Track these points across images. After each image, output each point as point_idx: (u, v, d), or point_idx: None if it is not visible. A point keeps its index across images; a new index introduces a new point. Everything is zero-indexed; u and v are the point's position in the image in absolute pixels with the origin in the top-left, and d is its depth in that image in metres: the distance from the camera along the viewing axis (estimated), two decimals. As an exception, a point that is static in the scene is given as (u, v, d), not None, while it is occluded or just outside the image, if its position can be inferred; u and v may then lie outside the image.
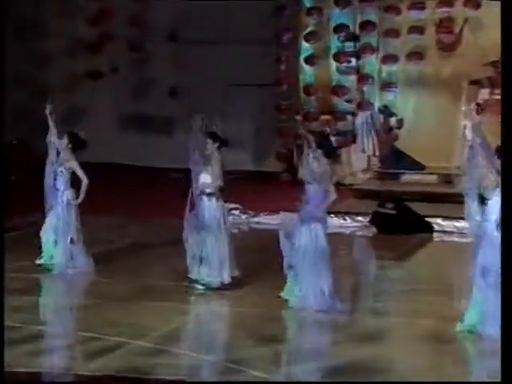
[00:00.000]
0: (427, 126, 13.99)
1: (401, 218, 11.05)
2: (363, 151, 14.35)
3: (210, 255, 8.00)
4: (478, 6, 13.57)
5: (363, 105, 14.28)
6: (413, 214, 11.17)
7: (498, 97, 12.25)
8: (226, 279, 8.03)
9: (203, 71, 15.09)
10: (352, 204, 12.17)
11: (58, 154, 8.68)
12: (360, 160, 14.29)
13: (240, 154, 14.02)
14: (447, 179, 13.10)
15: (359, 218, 11.44)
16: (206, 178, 7.99)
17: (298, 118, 14.26)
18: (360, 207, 11.88)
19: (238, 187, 11.66)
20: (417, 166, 13.72)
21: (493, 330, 6.41)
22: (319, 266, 7.33)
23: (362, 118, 14.33)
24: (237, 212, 11.58)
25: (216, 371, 6.24)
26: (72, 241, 8.57)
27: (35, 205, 8.99)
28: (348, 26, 14.34)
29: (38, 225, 8.88)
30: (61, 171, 8.60)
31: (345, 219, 11.31)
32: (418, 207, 11.30)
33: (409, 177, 13.54)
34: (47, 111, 8.66)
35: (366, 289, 8.58)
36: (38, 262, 8.64)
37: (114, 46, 15.13)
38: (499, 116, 7.27)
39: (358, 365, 6.30)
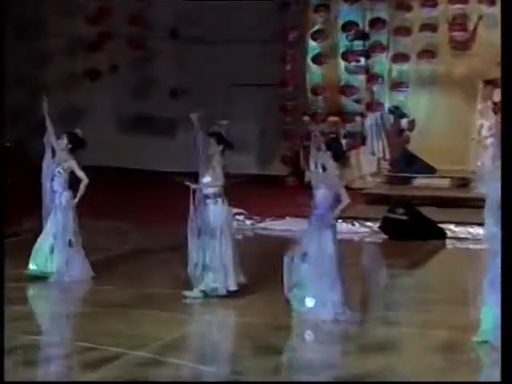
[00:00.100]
0: (440, 127, 13.97)
1: (412, 223, 11.02)
2: (373, 154, 14.33)
3: (214, 261, 7.96)
4: (492, 2, 13.56)
5: (373, 105, 14.27)
6: (425, 219, 11.15)
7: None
8: (232, 286, 8.00)
9: (206, 70, 15.09)
10: (361, 209, 12.14)
11: (54, 154, 8.65)
12: (369, 163, 14.27)
13: (244, 156, 14.01)
14: (461, 183, 13.08)
15: (368, 224, 11.41)
16: (207, 181, 7.98)
17: (306, 118, 14.24)
18: (369, 212, 11.85)
19: (242, 191, 11.66)
20: (429, 170, 13.69)
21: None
22: (328, 273, 7.30)
23: (371, 119, 14.32)
24: (241, 217, 11.57)
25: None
26: (70, 243, 8.55)
27: (32, 210, 8.98)
28: (357, 24, 14.34)
29: (35, 231, 8.87)
30: (58, 172, 8.58)
31: (353, 225, 11.30)
32: (429, 212, 11.27)
33: (420, 181, 13.52)
34: (44, 107, 8.63)
35: (376, 298, 8.55)
36: (30, 267, 8.60)
37: (114, 45, 15.16)
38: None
39: (369, 376, 6.28)
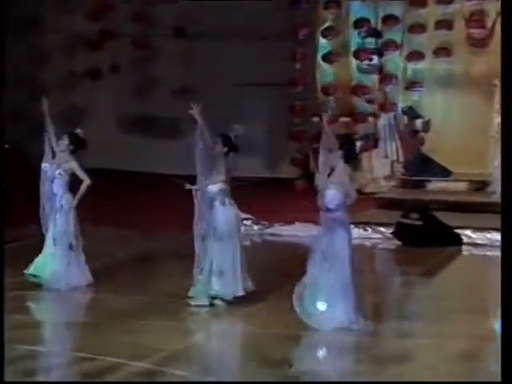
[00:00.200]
0: (456, 128, 13.91)
1: (427, 229, 10.97)
2: (386, 156, 14.28)
3: (222, 265, 7.92)
4: (511, -2, 13.48)
5: (386, 106, 14.22)
6: (440, 224, 11.09)
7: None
8: (239, 291, 7.96)
9: (211, 69, 15.09)
10: (373, 214, 12.11)
11: (54, 156, 8.63)
12: (382, 166, 14.23)
13: (251, 159, 13.99)
14: (478, 186, 13.02)
15: (381, 229, 11.37)
16: (213, 182, 7.95)
17: (315, 119, 14.20)
18: (382, 217, 11.81)
19: (249, 195, 11.60)
20: (444, 173, 13.64)
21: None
22: (341, 278, 7.25)
23: (384, 120, 14.28)
24: (248, 222, 11.54)
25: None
26: (71, 247, 8.52)
27: (31, 214, 8.96)
28: (369, 21, 14.31)
29: (36, 236, 8.85)
30: (59, 173, 8.56)
31: (366, 230, 11.26)
32: (445, 217, 11.22)
33: (436, 184, 13.47)
34: (44, 107, 8.61)
35: (389, 307, 8.50)
36: (27, 271, 8.58)
37: (115, 43, 15.17)
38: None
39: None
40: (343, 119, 14.15)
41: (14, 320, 7.43)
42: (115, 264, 9.56)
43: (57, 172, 8.59)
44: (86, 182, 8.55)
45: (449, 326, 7.64)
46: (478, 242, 10.78)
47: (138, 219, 11.83)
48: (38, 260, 8.60)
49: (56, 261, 8.55)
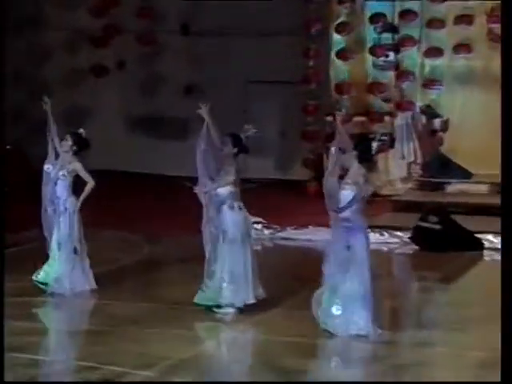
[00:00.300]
0: (476, 127, 13.88)
1: (446, 233, 10.95)
2: (403, 157, 14.27)
3: (234, 271, 7.92)
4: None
5: (403, 105, 14.20)
6: (460, 228, 11.07)
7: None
8: (251, 299, 7.96)
9: (220, 67, 15.12)
10: (390, 217, 12.10)
11: (57, 157, 8.65)
12: (399, 167, 14.21)
13: (262, 159, 14.01)
14: (500, 189, 12.96)
15: (398, 234, 11.36)
16: (221, 184, 7.95)
17: (329, 119, 14.18)
18: (399, 221, 11.80)
19: (259, 198, 11.64)
20: (465, 174, 13.61)
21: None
22: (360, 284, 7.24)
23: (401, 119, 14.26)
24: (259, 226, 11.55)
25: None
26: (75, 251, 8.53)
27: (33, 218, 8.98)
28: (385, 16, 14.30)
29: (37, 240, 8.87)
30: (63, 175, 8.57)
31: (382, 234, 11.25)
32: (465, 221, 11.20)
33: (455, 186, 13.45)
34: (47, 107, 8.63)
35: (406, 314, 8.49)
36: (34, 277, 8.60)
37: (120, 39, 15.21)
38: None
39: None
40: (358, 118, 14.13)
41: (16, 327, 7.46)
42: (120, 269, 9.59)
43: (60, 173, 8.61)
44: (90, 183, 8.57)
45: (468, 334, 7.62)
46: (500, 246, 10.74)
47: (143, 222, 11.85)
48: (46, 267, 8.61)
49: (60, 265, 8.57)
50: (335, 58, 14.45)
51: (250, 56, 14.97)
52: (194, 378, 6.59)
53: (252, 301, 7.98)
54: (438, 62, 14.22)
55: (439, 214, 11.25)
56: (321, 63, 14.49)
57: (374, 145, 7.49)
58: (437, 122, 14.17)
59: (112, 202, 12.36)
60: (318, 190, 13.77)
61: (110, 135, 15.26)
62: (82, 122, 13.94)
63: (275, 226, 11.77)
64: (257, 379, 6.65)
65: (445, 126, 14.11)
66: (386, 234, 11.31)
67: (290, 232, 11.65)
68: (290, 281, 9.08)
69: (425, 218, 11.18)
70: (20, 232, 10.50)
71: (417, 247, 11.08)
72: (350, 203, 7.25)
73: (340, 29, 14.34)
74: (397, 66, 14.30)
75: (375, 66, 14.36)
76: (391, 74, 14.32)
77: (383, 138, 13.66)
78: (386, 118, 14.28)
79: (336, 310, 7.31)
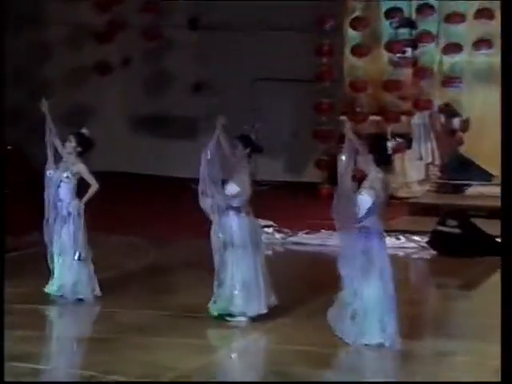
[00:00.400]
0: (498, 127, 13.81)
1: (466, 237, 10.93)
2: (420, 158, 14.26)
3: (244, 278, 7.93)
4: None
5: (420, 103, 14.20)
6: (480, 233, 11.05)
7: None
8: (263, 309, 7.98)
9: (229, 63, 15.14)
10: (407, 221, 12.10)
11: (57, 160, 8.65)
12: (416, 169, 14.21)
13: (272, 161, 14.02)
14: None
15: (415, 238, 11.36)
16: (231, 189, 7.96)
17: (343, 118, 14.18)
18: (416, 225, 11.80)
19: (270, 200, 11.64)
20: (485, 176, 13.59)
21: None
22: (380, 291, 7.24)
23: (419, 118, 14.26)
24: (270, 230, 11.56)
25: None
26: (80, 257, 8.55)
27: (33, 221, 9.01)
28: (402, 10, 14.29)
29: (36, 245, 8.90)
30: (66, 177, 8.58)
31: (398, 239, 11.25)
32: (486, 225, 11.18)
33: (475, 189, 13.43)
34: (44, 108, 8.65)
35: (425, 322, 8.48)
36: (46, 290, 8.63)
37: (125, 35, 15.23)
38: None
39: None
40: (374, 118, 14.13)
41: (17, 336, 7.49)
42: (125, 275, 9.61)
43: (64, 175, 8.59)
44: (95, 186, 8.58)
45: (490, 343, 7.60)
46: (523, 252, 10.70)
47: (148, 226, 11.87)
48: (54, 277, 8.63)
49: (64, 272, 8.58)
50: (350, 55, 14.45)
51: (260, 52, 14.98)
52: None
53: (264, 311, 7.98)
54: (458, 58, 14.20)
55: (458, 217, 11.23)
56: (334, 60, 14.49)
57: (389, 145, 7.49)
58: (456, 122, 14.15)
59: (116, 205, 12.39)
60: (331, 192, 13.85)
61: (114, 135, 15.29)
62: (85, 121, 13.97)
63: (286, 230, 11.78)
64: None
65: (464, 125, 14.09)
66: (402, 238, 11.31)
67: (301, 236, 11.65)
68: (302, 287, 9.09)
69: (443, 222, 11.17)
70: (21, 236, 10.54)
71: (435, 252, 11.07)
72: (369, 212, 7.25)
73: (355, 24, 14.34)
74: (414, 63, 14.30)
75: (392, 62, 14.36)
76: (408, 71, 14.30)
77: (397, 137, 13.67)
78: (403, 118, 14.26)
79: (352, 318, 7.30)
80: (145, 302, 8.67)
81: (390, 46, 14.27)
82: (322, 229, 11.50)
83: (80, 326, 8.31)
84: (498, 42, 13.97)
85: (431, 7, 14.17)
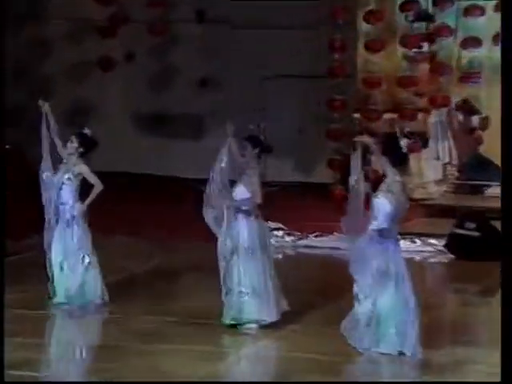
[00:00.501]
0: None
1: (485, 240, 10.92)
2: (437, 158, 14.24)
3: (252, 284, 7.94)
4: None
5: (437, 100, 14.17)
6: (500, 236, 11.01)
7: None
8: (274, 316, 7.99)
9: (237, 59, 15.14)
10: (423, 223, 12.09)
11: (54, 161, 8.66)
12: (433, 169, 14.18)
13: (282, 161, 14.02)
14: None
15: (432, 241, 11.36)
16: (241, 191, 7.97)
17: (356, 116, 14.18)
18: (433, 227, 11.79)
19: (280, 202, 11.64)
20: (505, 177, 13.54)
21: None
22: (396, 297, 7.23)
23: (436, 116, 14.24)
24: (280, 233, 11.57)
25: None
26: (85, 261, 8.56)
27: (33, 224, 9.04)
28: (418, 2, 14.27)
29: (35, 249, 8.93)
30: (68, 178, 8.59)
31: (414, 242, 11.25)
32: (507, 228, 11.14)
33: (495, 190, 13.38)
34: (45, 108, 8.66)
35: (443, 330, 8.47)
36: (54, 301, 8.64)
37: (128, 29, 15.25)
38: None
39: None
40: (388, 115, 14.11)
41: (17, 343, 7.51)
42: (130, 279, 9.66)
43: (65, 177, 8.60)
44: (98, 187, 8.59)
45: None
46: (545, 256, 10.68)
47: (151, 228, 11.90)
48: (57, 287, 8.63)
49: (68, 276, 8.59)
50: (363, 50, 14.43)
51: (270, 47, 14.98)
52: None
53: (275, 318, 7.99)
54: (477, 53, 14.17)
55: (477, 219, 11.22)
56: (347, 55, 14.48)
57: (403, 143, 7.48)
58: (475, 119, 14.13)
59: (118, 207, 12.41)
60: (344, 193, 13.87)
61: (116, 134, 15.31)
62: (86, 119, 14.03)
63: (297, 233, 11.79)
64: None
65: (483, 123, 14.05)
66: (418, 241, 11.31)
67: (313, 239, 11.67)
68: (313, 293, 9.10)
69: (461, 224, 11.16)
70: (20, 239, 10.57)
71: (452, 256, 11.06)
72: (387, 217, 7.25)
73: (369, 17, 14.31)
74: (431, 58, 14.26)
75: (407, 57, 14.33)
76: (424, 66, 14.28)
77: (410, 136, 13.64)
78: (419, 115, 14.23)
79: (367, 325, 7.29)
80: (149, 308, 8.71)
81: (406, 41, 14.24)
82: (334, 231, 11.50)
83: (85, 332, 8.35)
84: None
85: (449, -1, 14.17)
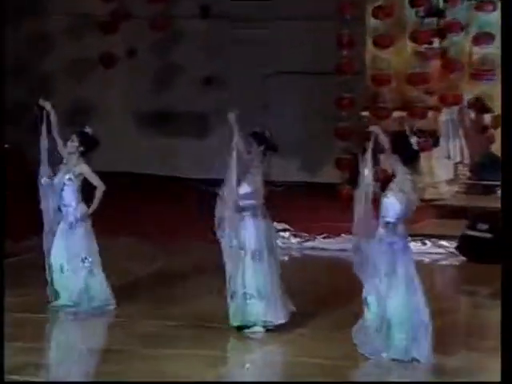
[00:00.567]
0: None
1: (498, 242, 10.88)
2: (448, 157, 14.23)
3: (258, 286, 7.95)
4: None
5: (449, 98, 14.17)
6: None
7: None
8: (280, 318, 8.00)
9: (243, 55, 15.15)
10: (434, 224, 12.09)
11: (54, 164, 8.67)
12: (444, 168, 14.18)
13: (288, 160, 14.04)
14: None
15: (443, 243, 11.36)
16: (246, 190, 7.98)
17: (365, 114, 14.18)
18: (444, 229, 11.78)
19: (286, 202, 11.65)
20: (519, 177, 13.53)
21: None
22: (406, 301, 7.23)
23: (446, 114, 14.23)
24: (286, 234, 11.58)
25: None
26: (89, 263, 8.56)
27: (32, 225, 9.05)
28: (429, -4, 14.28)
29: (36, 250, 8.95)
30: (69, 179, 8.59)
31: (424, 244, 11.25)
32: (520, 229, 11.14)
33: (508, 190, 13.36)
34: (47, 107, 8.66)
35: (454, 334, 8.47)
36: (53, 304, 8.66)
37: (131, 24, 15.27)
38: None
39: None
40: (397, 113, 14.11)
41: (17, 348, 7.53)
42: (134, 282, 9.68)
43: (66, 177, 8.60)
44: (101, 188, 8.60)
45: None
46: (559, 258, 10.67)
47: (154, 229, 11.92)
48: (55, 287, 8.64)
49: (71, 279, 8.61)
50: (372, 46, 14.43)
51: (276, 43, 14.99)
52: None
53: (283, 320, 8.00)
54: (489, 49, 14.16)
55: (489, 220, 11.21)
56: (356, 51, 14.48)
57: (413, 140, 7.47)
58: (487, 118, 14.12)
59: (118, 207, 12.40)
60: (352, 193, 13.85)
61: (119, 133, 15.34)
62: (86, 118, 14.06)
63: (304, 234, 11.80)
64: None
65: (496, 121, 14.04)
66: (428, 243, 11.31)
67: (320, 241, 11.67)
68: (320, 296, 9.11)
69: (473, 226, 11.16)
70: (19, 240, 10.59)
71: (464, 258, 11.05)
72: (398, 216, 7.25)
73: (378, 12, 14.31)
74: (442, 54, 14.26)
75: (417, 54, 14.33)
76: (435, 63, 14.28)
77: (419, 134, 13.62)
78: (430, 113, 14.23)
79: (377, 330, 7.28)
80: (153, 311, 8.74)
81: (416, 36, 14.24)
82: (342, 233, 11.50)
83: (89, 336, 8.36)
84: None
85: (460, -6, 14.16)
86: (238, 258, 7.98)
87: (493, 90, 14.20)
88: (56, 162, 8.72)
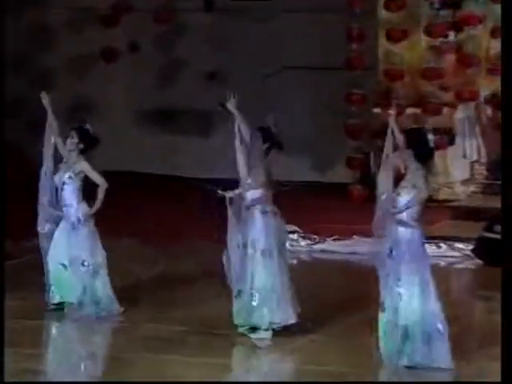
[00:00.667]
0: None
1: (516, 245, 10.87)
2: (464, 156, 14.21)
3: (266, 286, 7.95)
4: None
5: (465, 94, 14.15)
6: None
7: None
8: (290, 319, 7.98)
9: (248, 50, 15.15)
10: (449, 226, 12.07)
11: (56, 162, 8.69)
12: (460, 168, 14.16)
13: (296, 158, 14.03)
14: None
15: (458, 246, 11.36)
16: (252, 184, 7.99)
17: (377, 110, 14.16)
18: (460, 231, 11.77)
19: (294, 203, 11.63)
20: (538, 176, 13.52)
21: None
22: (422, 305, 7.22)
23: (462, 111, 14.21)
24: (295, 236, 11.58)
25: None
26: (93, 266, 8.57)
27: (33, 225, 9.07)
28: (444, -12, 14.27)
29: (35, 252, 8.97)
30: (69, 177, 8.61)
31: (439, 246, 11.24)
32: (539, 231, 11.12)
33: (527, 190, 13.34)
34: (45, 102, 8.70)
35: (471, 340, 8.47)
36: (52, 304, 8.68)
37: (133, 18, 15.29)
38: None
39: None
40: (411, 110, 14.09)
41: (16, 352, 7.56)
42: (136, 285, 9.69)
43: (66, 176, 8.63)
44: (103, 186, 8.63)
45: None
46: None
47: (160, 230, 11.92)
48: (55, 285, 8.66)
49: (72, 280, 8.62)
50: (384, 40, 14.42)
51: (283, 37, 14.99)
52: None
53: (293, 321, 7.99)
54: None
55: (508, 222, 11.19)
56: (367, 45, 14.47)
57: (431, 137, 7.47)
58: (505, 115, 14.10)
59: (119, 207, 12.41)
60: (364, 194, 13.87)
61: (120, 131, 15.36)
62: (87, 115, 14.06)
63: (313, 237, 11.79)
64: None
65: (514, 118, 14.03)
66: (443, 245, 11.30)
67: (330, 243, 11.67)
68: (331, 301, 9.11)
69: (490, 228, 11.14)
70: (19, 242, 10.61)
71: (480, 261, 11.04)
72: (408, 204, 7.23)
73: (390, 4, 14.29)
74: (457, 49, 14.25)
75: (432, 48, 14.32)
76: (451, 57, 14.26)
77: (434, 132, 13.63)
78: (445, 110, 14.21)
79: (390, 336, 7.27)
80: (156, 316, 8.77)
81: (431, 30, 14.22)
82: (354, 235, 11.49)
83: (90, 341, 8.39)
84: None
85: (477, -15, 14.16)
86: (245, 255, 7.98)
87: (511, 86, 14.19)
88: (57, 161, 8.75)
